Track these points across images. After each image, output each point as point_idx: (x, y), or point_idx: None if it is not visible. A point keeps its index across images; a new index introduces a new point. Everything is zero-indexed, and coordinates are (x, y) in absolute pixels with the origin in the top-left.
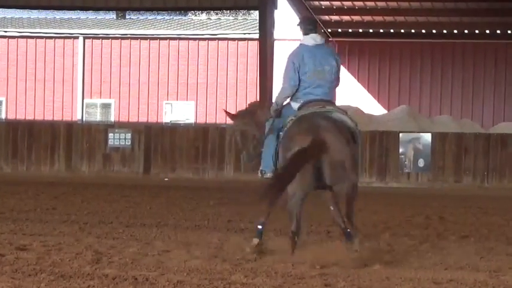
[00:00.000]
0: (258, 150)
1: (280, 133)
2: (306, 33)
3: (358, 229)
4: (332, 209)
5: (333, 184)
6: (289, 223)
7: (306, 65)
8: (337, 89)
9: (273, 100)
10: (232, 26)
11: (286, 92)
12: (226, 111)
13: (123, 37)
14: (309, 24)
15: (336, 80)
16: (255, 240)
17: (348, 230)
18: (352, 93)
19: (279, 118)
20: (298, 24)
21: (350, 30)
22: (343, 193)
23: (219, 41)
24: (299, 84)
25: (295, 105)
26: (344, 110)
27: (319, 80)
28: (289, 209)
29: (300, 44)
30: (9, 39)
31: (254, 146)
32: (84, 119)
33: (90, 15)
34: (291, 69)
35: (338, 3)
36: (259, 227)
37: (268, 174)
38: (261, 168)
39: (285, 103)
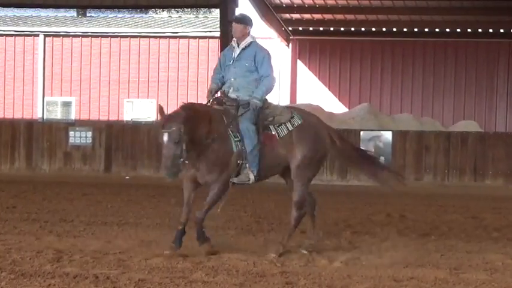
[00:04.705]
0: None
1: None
2: None
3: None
4: None
5: None
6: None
7: None
8: (298, 87)
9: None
10: (193, 24)
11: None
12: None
13: (84, 35)
14: None
15: None
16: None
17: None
18: (313, 92)
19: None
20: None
21: (311, 29)
22: None
23: (180, 39)
24: None
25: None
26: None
27: None
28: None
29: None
30: None
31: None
32: (44, 117)
33: (50, 12)
34: None
35: (299, 1)
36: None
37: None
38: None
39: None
